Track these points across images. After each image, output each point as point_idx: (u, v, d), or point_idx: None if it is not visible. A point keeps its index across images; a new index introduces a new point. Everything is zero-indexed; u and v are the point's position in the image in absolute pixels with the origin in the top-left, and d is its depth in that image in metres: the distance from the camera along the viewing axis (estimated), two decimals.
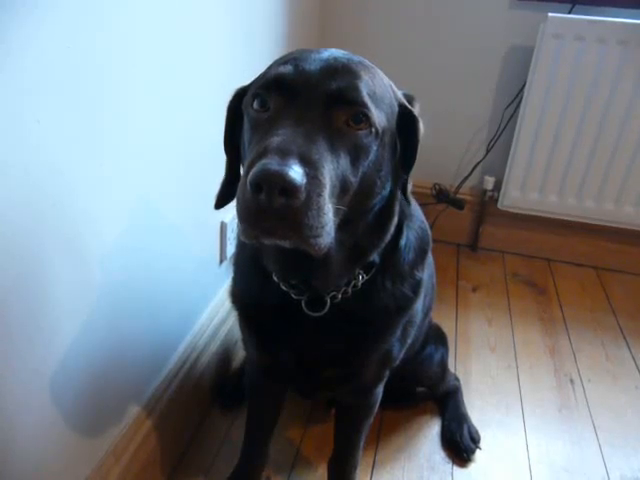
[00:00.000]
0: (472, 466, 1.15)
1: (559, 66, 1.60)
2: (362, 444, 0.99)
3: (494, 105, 1.81)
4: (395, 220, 0.70)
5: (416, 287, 0.77)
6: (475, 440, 1.19)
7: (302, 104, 0.56)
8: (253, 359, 0.94)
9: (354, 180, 0.58)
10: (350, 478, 1.01)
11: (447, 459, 1.16)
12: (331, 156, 0.54)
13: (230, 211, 1.23)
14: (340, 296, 0.71)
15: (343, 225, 0.60)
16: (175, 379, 1.05)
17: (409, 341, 0.86)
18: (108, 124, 0.73)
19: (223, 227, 1.20)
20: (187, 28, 0.91)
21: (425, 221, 0.82)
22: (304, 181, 0.50)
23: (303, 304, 0.72)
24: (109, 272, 0.80)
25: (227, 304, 1.27)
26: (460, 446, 1.17)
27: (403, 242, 0.74)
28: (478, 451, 1.18)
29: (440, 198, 1.88)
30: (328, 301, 0.71)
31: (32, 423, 0.70)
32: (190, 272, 1.09)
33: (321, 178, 0.52)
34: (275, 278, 0.72)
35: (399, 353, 0.84)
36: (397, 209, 0.69)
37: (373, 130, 0.58)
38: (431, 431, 1.23)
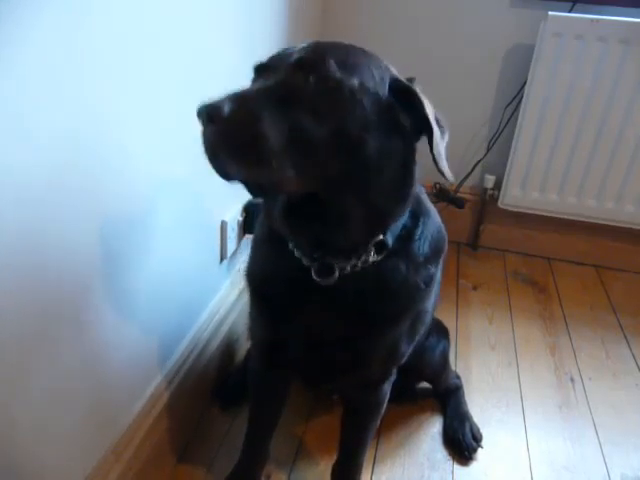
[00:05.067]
0: (473, 464, 1.15)
1: (560, 65, 1.60)
2: (367, 448, 0.99)
3: (495, 103, 1.81)
4: (413, 192, 0.71)
5: (428, 280, 0.77)
6: (477, 439, 1.19)
7: (269, 74, 0.61)
8: (260, 344, 0.92)
9: (319, 133, 0.59)
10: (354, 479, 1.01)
11: (448, 457, 1.16)
12: (279, 109, 0.57)
13: (230, 210, 1.23)
14: (349, 268, 0.71)
15: (351, 184, 0.63)
16: (176, 377, 1.05)
17: (417, 339, 0.86)
18: (108, 123, 0.73)
19: (223, 226, 1.21)
20: (189, 28, 0.91)
21: (443, 229, 0.82)
22: (227, 109, 0.54)
23: (313, 272, 0.71)
24: (110, 270, 0.80)
25: (228, 302, 1.28)
26: (462, 445, 1.17)
27: (418, 232, 0.75)
28: (479, 449, 1.18)
29: (440, 197, 1.89)
30: (337, 271, 0.71)
31: (32, 422, 0.70)
32: (190, 271, 1.09)
33: (252, 115, 0.56)
34: (290, 244, 0.73)
35: (407, 349, 0.84)
36: (415, 183, 0.70)
37: (335, 86, 0.60)
38: (431, 429, 1.23)
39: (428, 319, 0.87)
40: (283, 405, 1.02)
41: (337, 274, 0.71)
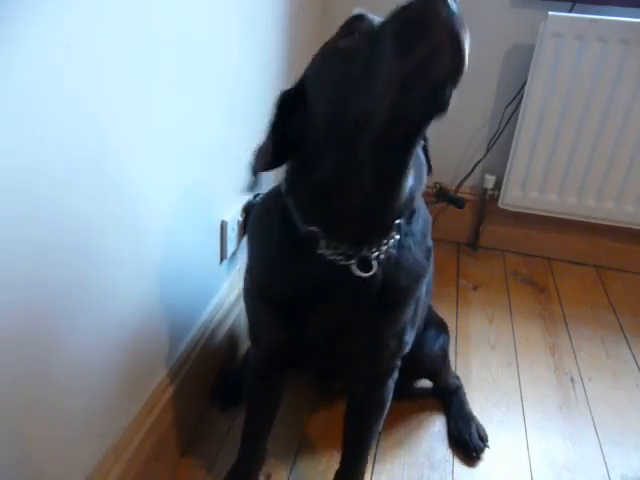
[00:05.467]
0: (473, 464, 1.15)
1: (560, 65, 1.61)
2: (370, 449, 0.98)
3: (495, 103, 1.81)
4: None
5: (428, 254, 0.79)
6: (483, 439, 1.19)
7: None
8: (269, 348, 0.90)
9: None
10: (360, 465, 0.99)
11: (447, 457, 1.16)
12: None
13: (230, 210, 1.23)
14: (382, 255, 0.71)
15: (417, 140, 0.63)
16: (176, 377, 1.05)
17: (417, 326, 0.87)
18: (107, 123, 0.73)
19: (223, 226, 1.21)
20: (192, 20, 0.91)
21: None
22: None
23: (354, 267, 0.71)
24: (107, 271, 0.80)
25: (228, 302, 1.28)
26: (469, 445, 1.17)
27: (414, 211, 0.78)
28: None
29: (440, 197, 1.89)
30: (373, 260, 0.71)
31: (32, 422, 0.70)
32: (190, 271, 1.09)
33: None
34: (321, 248, 0.71)
35: (411, 335, 0.85)
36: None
37: None
38: (431, 428, 1.23)
39: (422, 303, 0.88)
40: (280, 403, 1.02)
41: (376, 263, 0.71)
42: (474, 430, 1.19)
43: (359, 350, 0.81)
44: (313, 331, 0.78)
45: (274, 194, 0.80)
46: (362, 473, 1.00)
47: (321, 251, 0.71)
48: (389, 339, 0.81)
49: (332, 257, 0.71)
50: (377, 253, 0.71)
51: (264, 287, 0.81)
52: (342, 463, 1.00)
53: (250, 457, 1.03)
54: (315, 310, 0.76)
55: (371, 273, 0.71)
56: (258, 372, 0.97)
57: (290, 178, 0.73)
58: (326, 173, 0.66)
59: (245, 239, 1.32)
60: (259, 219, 0.85)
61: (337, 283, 0.73)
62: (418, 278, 0.77)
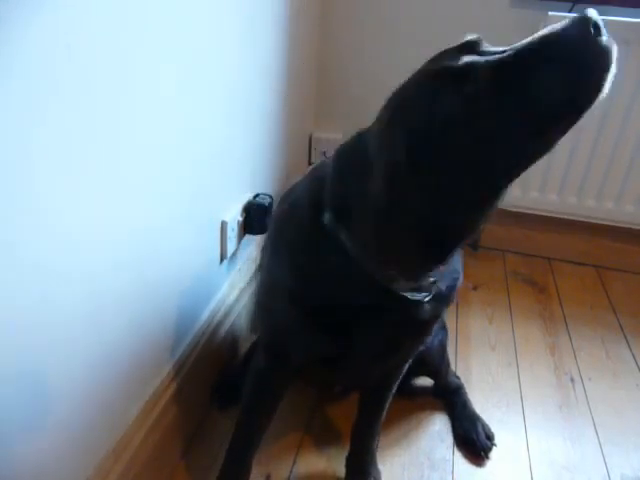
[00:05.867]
0: (472, 464, 1.15)
1: None
2: (378, 431, 1.03)
3: None
4: None
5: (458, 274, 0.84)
6: (490, 438, 1.19)
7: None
8: (297, 357, 0.88)
9: None
10: (372, 448, 1.03)
11: (447, 457, 1.16)
12: None
13: (230, 210, 1.23)
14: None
15: None
16: (176, 378, 1.05)
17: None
18: (101, 119, 0.73)
19: (223, 226, 1.21)
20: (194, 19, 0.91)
21: None
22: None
23: (426, 299, 0.74)
24: (105, 273, 0.80)
25: (228, 303, 1.28)
26: (477, 445, 1.17)
27: None
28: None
29: None
30: (436, 282, 0.76)
31: (32, 423, 0.70)
32: (190, 271, 1.09)
33: None
34: (400, 287, 0.72)
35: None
36: None
37: None
38: (431, 427, 1.23)
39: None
40: (272, 419, 0.99)
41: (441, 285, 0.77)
42: (480, 429, 1.19)
43: (398, 358, 0.85)
44: (366, 345, 0.79)
45: (306, 214, 0.76)
46: (374, 450, 1.04)
47: (397, 289, 0.72)
48: (421, 345, 0.86)
49: (405, 293, 0.73)
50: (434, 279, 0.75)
51: (319, 311, 0.77)
52: (357, 420, 1.03)
53: (236, 472, 0.99)
54: (377, 324, 0.76)
55: (442, 291, 0.77)
56: (264, 381, 0.94)
57: (355, 223, 0.70)
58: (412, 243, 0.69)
59: (245, 239, 1.33)
60: (298, 242, 0.78)
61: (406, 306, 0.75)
62: (455, 285, 0.82)
